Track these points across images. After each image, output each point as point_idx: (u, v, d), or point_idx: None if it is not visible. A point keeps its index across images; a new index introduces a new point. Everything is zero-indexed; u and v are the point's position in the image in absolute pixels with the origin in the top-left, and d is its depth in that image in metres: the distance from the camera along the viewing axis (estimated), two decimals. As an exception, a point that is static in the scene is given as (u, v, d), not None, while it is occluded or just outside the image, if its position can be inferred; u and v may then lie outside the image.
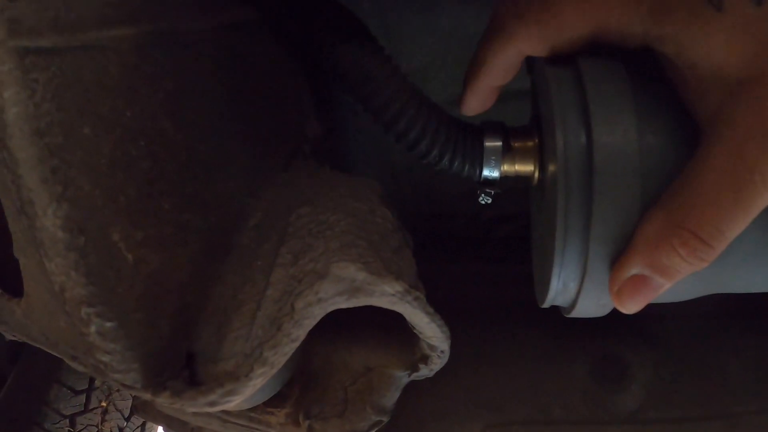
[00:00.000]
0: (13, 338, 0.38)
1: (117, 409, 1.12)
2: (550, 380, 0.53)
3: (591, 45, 0.31)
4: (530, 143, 0.35)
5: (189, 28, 0.32)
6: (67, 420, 1.01)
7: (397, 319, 0.35)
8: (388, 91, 0.35)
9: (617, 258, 0.30)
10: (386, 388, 0.42)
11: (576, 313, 0.35)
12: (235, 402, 0.30)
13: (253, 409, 0.43)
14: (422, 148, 0.35)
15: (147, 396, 0.29)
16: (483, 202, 0.36)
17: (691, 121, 0.29)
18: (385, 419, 0.42)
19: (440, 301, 0.58)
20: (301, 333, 0.30)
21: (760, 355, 0.52)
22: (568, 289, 0.33)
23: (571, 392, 0.52)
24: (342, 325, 0.43)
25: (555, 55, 0.31)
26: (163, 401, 0.29)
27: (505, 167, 0.35)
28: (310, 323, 0.31)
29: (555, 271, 0.32)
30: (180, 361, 0.31)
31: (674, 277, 0.29)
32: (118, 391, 1.11)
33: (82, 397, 1.03)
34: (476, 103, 0.35)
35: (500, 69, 0.33)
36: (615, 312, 0.33)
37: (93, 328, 0.27)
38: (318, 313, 0.31)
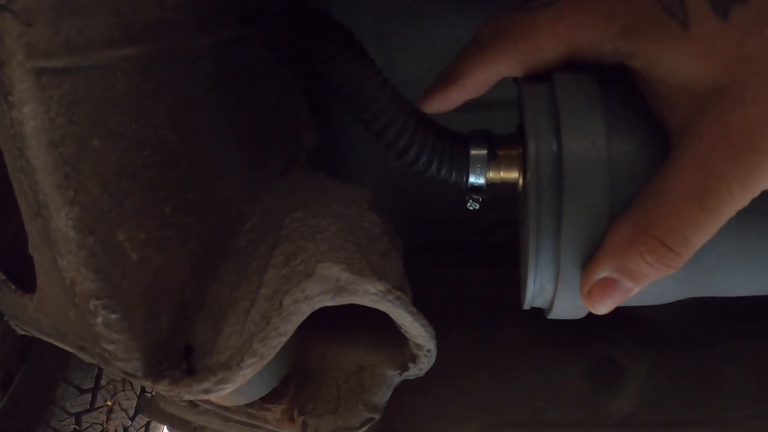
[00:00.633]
0: (24, 332, 0.39)
1: (122, 408, 1.12)
2: (545, 383, 0.53)
3: (567, 62, 0.32)
4: (515, 151, 0.35)
5: (189, 46, 0.33)
6: (73, 418, 1.01)
7: (389, 320, 0.36)
8: (378, 103, 0.36)
9: (588, 261, 0.31)
10: (378, 386, 0.43)
11: (555, 315, 0.35)
12: (228, 390, 0.31)
13: (250, 405, 0.44)
14: (410, 156, 0.36)
15: (147, 384, 0.30)
16: (471, 208, 0.37)
17: (662, 132, 0.29)
18: (377, 417, 0.43)
19: (438, 305, 0.59)
20: (288, 328, 0.31)
21: (755, 360, 0.51)
22: (544, 291, 0.34)
23: (565, 395, 0.52)
24: (336, 326, 0.44)
25: (532, 73, 0.32)
26: (162, 389, 0.30)
27: (491, 174, 0.35)
28: (297, 319, 0.32)
29: (531, 272, 0.33)
30: (179, 353, 0.32)
31: (642, 282, 0.29)
32: (123, 390, 1.12)
33: (88, 396, 1.03)
34: (438, 107, 0.36)
35: (474, 86, 0.34)
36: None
37: (100, 319, 0.28)
38: (305, 309, 0.32)
